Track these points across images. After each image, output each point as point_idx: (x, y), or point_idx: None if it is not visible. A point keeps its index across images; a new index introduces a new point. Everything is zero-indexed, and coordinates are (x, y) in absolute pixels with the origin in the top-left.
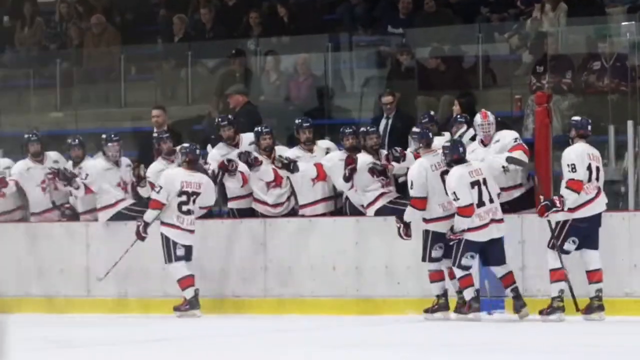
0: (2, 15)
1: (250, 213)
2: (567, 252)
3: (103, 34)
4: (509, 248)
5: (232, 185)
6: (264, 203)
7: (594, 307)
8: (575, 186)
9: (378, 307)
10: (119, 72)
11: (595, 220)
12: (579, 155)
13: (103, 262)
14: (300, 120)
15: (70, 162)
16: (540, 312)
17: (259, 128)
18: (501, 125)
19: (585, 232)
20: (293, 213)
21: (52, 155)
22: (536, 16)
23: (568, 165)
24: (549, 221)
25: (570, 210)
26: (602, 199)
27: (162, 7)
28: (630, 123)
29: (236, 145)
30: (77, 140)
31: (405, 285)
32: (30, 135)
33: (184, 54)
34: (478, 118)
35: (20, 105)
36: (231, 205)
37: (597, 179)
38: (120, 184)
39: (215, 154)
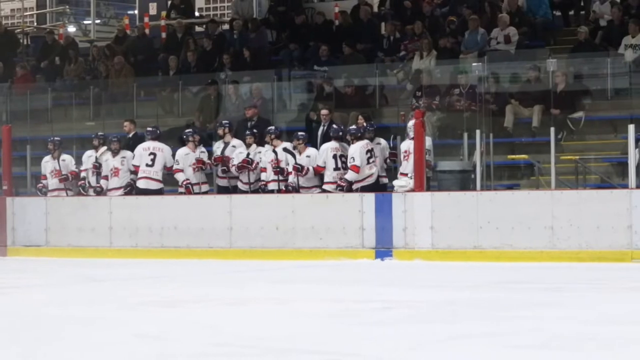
0: (55, 56)
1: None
2: None
3: (122, 69)
4: None
5: None
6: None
7: None
8: (355, 169)
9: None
10: (133, 95)
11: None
12: (357, 150)
13: None
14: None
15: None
16: None
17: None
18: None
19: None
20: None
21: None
22: (415, 59)
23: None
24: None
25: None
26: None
27: (161, 51)
28: (478, 132)
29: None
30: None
31: (326, 240)
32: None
33: (176, 82)
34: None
35: (66, 117)
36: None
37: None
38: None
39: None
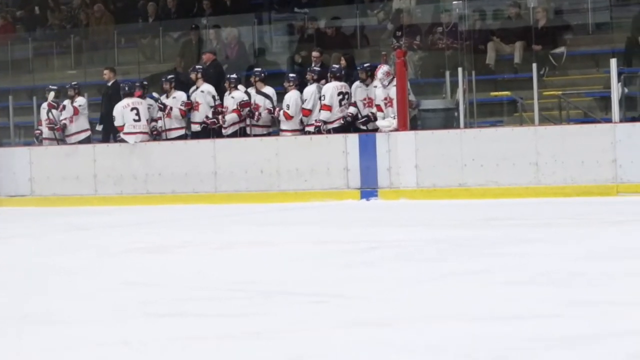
0: (35, 6)
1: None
2: None
3: (102, 17)
4: None
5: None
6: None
7: None
8: (325, 108)
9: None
10: (114, 42)
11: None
12: (329, 90)
13: None
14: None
15: None
16: None
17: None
18: None
19: None
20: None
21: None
22: (397, 1)
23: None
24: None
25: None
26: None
27: None
28: (460, 70)
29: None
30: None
31: (310, 182)
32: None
33: (157, 29)
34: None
35: (48, 67)
36: None
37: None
38: None
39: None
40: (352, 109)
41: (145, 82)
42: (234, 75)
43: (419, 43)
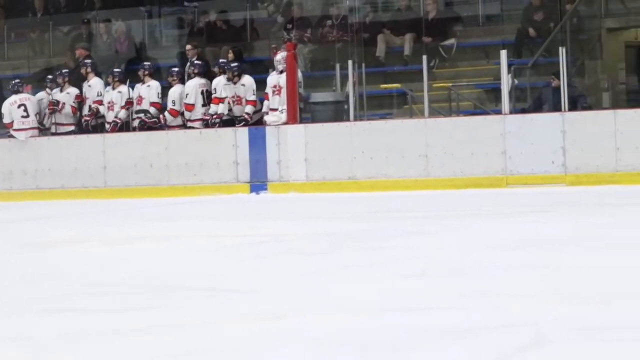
0: None
1: None
2: None
3: None
4: None
5: None
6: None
7: None
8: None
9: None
10: (3, 37)
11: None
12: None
13: None
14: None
15: None
16: None
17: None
18: None
19: None
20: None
21: None
22: None
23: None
24: None
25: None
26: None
27: None
28: (350, 62)
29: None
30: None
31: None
32: None
33: (47, 23)
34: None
35: None
36: None
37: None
38: None
39: None
40: (214, 108)
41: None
42: (117, 70)
43: (309, 36)
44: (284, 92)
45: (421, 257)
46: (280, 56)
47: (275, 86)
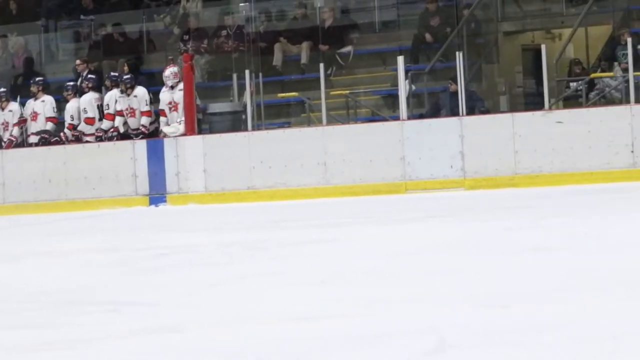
0: None
1: None
2: None
3: None
4: None
5: None
6: None
7: None
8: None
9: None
10: None
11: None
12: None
13: None
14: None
15: None
16: None
17: None
18: None
19: None
20: None
21: None
22: (182, 2)
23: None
24: None
25: None
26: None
27: None
28: (247, 72)
29: None
30: None
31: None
32: None
33: None
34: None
35: None
36: None
37: None
38: None
39: None
40: (106, 123)
41: None
42: (2, 90)
43: (206, 46)
44: (180, 107)
45: (322, 265)
46: (169, 72)
47: (170, 103)
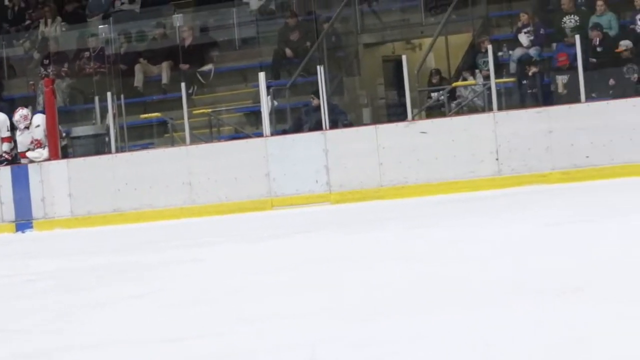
0: None
1: None
2: None
3: None
4: None
5: None
6: None
7: None
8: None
9: None
10: None
11: None
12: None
13: None
14: None
15: None
16: None
17: None
18: None
19: None
20: None
21: None
22: (41, 26)
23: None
24: None
25: None
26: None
27: None
28: (109, 94)
29: None
30: None
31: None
32: None
33: None
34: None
35: None
36: None
37: None
38: None
39: None
40: None
41: None
42: None
43: (66, 70)
44: (44, 140)
45: (191, 285)
46: (18, 115)
47: (31, 142)
